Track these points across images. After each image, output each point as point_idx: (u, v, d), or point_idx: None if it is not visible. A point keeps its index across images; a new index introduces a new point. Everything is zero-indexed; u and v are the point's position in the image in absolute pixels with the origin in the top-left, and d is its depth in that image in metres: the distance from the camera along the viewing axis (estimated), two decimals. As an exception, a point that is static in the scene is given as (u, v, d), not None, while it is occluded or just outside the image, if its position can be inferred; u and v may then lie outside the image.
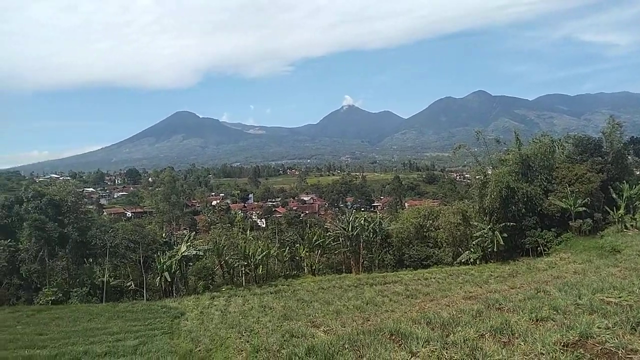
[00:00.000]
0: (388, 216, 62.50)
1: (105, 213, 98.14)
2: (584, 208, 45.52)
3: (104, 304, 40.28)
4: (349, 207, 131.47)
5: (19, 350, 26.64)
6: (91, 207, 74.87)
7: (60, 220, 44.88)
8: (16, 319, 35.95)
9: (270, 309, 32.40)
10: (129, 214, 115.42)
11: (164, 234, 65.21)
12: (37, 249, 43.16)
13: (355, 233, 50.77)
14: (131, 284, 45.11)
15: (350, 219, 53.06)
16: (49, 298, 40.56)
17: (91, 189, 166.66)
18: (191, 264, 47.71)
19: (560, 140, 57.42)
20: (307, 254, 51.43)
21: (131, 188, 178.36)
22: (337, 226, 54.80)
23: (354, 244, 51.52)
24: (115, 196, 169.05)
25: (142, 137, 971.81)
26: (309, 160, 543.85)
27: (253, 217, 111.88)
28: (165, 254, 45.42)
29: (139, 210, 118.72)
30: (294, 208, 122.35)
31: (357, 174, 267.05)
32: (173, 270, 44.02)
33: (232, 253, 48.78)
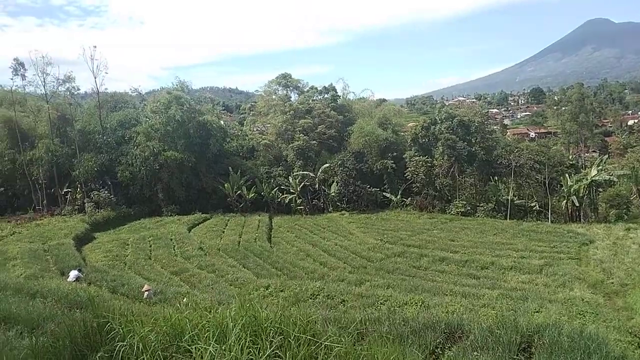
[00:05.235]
0: None
1: (508, 133, 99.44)
2: None
3: (508, 220, 41.72)
4: None
5: (436, 251, 31.01)
6: (495, 127, 76.92)
7: (468, 139, 48.18)
8: (432, 225, 41.82)
9: None
10: (532, 134, 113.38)
11: (570, 156, 61.24)
12: (449, 165, 48.01)
13: None
14: (535, 205, 44.85)
15: None
16: (459, 209, 44.99)
17: (495, 110, 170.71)
18: (601, 189, 43.33)
19: None
20: None
21: (534, 108, 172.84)
22: None
23: None
24: (519, 116, 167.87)
25: (546, 54, 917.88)
26: None
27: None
28: (572, 177, 42.63)
29: (543, 130, 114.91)
30: None
31: None
32: (581, 194, 41.10)
33: (656, 181, 41.41)
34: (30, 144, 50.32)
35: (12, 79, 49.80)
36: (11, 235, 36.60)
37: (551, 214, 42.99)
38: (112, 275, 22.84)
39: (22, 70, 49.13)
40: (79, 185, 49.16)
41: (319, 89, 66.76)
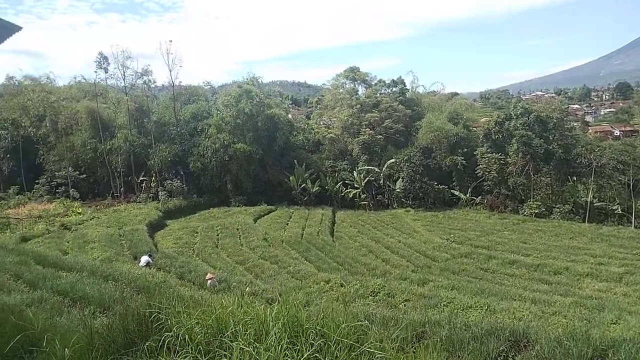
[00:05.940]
0: None
1: (590, 131, 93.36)
2: None
3: (586, 224, 39.21)
4: None
5: (506, 253, 29.59)
6: (576, 124, 72.24)
7: (545, 136, 45.65)
8: (503, 225, 40.08)
9: None
10: (616, 132, 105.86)
11: (660, 156, 56.42)
12: (524, 163, 45.73)
13: None
14: (617, 208, 41.82)
15: None
16: (533, 210, 42.80)
17: (576, 106, 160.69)
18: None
19: None
20: None
21: (620, 104, 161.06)
22: None
23: None
24: (602, 113, 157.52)
25: (635, 46, 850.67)
26: None
27: None
28: (662, 179, 39.31)
29: (629, 128, 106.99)
30: None
31: None
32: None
33: None
34: (110, 134, 53.51)
35: (96, 71, 53.30)
36: (91, 219, 39.09)
37: (635, 218, 39.87)
38: (181, 261, 23.74)
39: (105, 63, 52.29)
40: (153, 174, 51.69)
41: (387, 82, 65.75)
